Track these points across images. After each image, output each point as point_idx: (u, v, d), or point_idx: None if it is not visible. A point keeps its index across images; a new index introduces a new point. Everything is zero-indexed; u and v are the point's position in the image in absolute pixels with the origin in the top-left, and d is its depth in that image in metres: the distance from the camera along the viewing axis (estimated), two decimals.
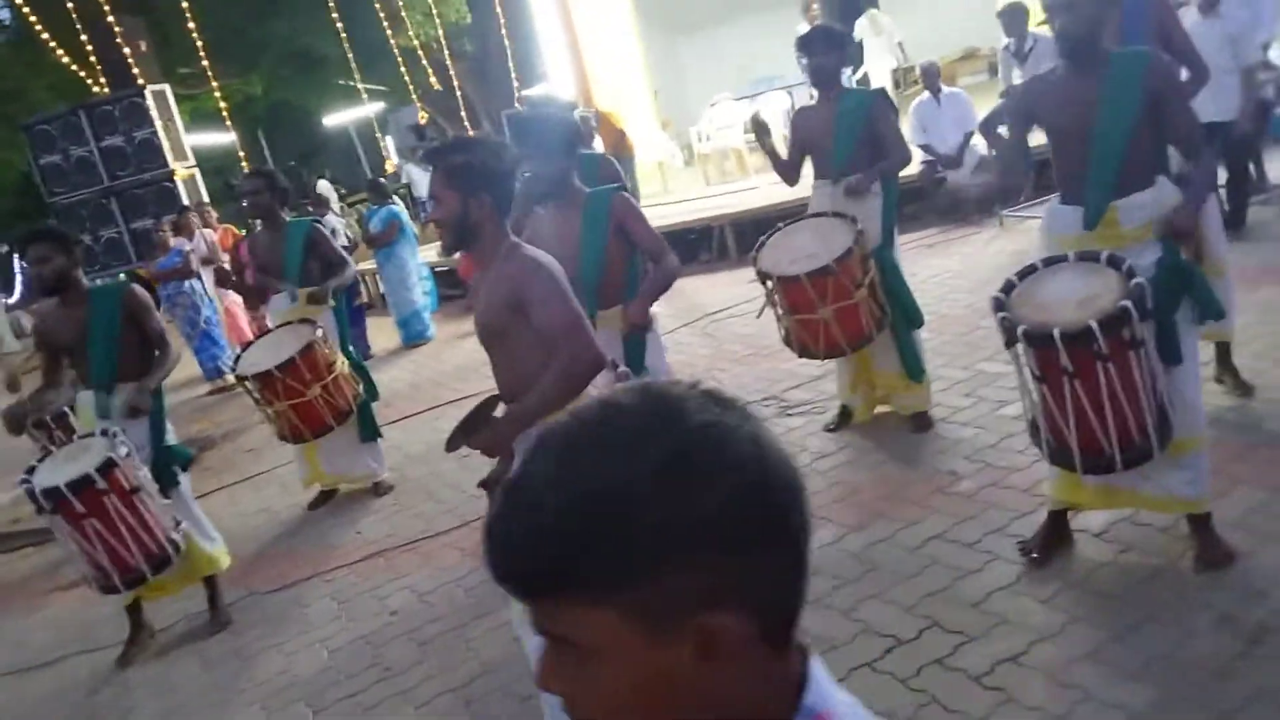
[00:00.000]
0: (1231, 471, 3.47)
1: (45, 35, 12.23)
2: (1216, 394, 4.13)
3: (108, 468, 3.91)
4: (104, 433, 4.11)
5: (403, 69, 14.52)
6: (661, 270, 3.70)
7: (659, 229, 3.88)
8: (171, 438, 4.55)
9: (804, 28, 11.59)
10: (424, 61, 14.81)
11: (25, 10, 12.18)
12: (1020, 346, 2.92)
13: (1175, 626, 2.82)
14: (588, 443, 0.74)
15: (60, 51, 12.58)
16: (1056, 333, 2.77)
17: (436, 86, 16.02)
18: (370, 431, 5.56)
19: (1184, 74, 4.08)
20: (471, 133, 16.69)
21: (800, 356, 4.54)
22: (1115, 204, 3.05)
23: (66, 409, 5.18)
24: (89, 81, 12.85)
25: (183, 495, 4.47)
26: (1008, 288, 3.04)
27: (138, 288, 4.52)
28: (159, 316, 4.49)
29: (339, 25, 13.57)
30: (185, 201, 10.70)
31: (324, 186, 17.35)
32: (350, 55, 14.18)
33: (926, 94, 8.50)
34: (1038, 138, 3.34)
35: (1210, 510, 3.09)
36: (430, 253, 10.72)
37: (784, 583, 0.76)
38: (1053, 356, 2.83)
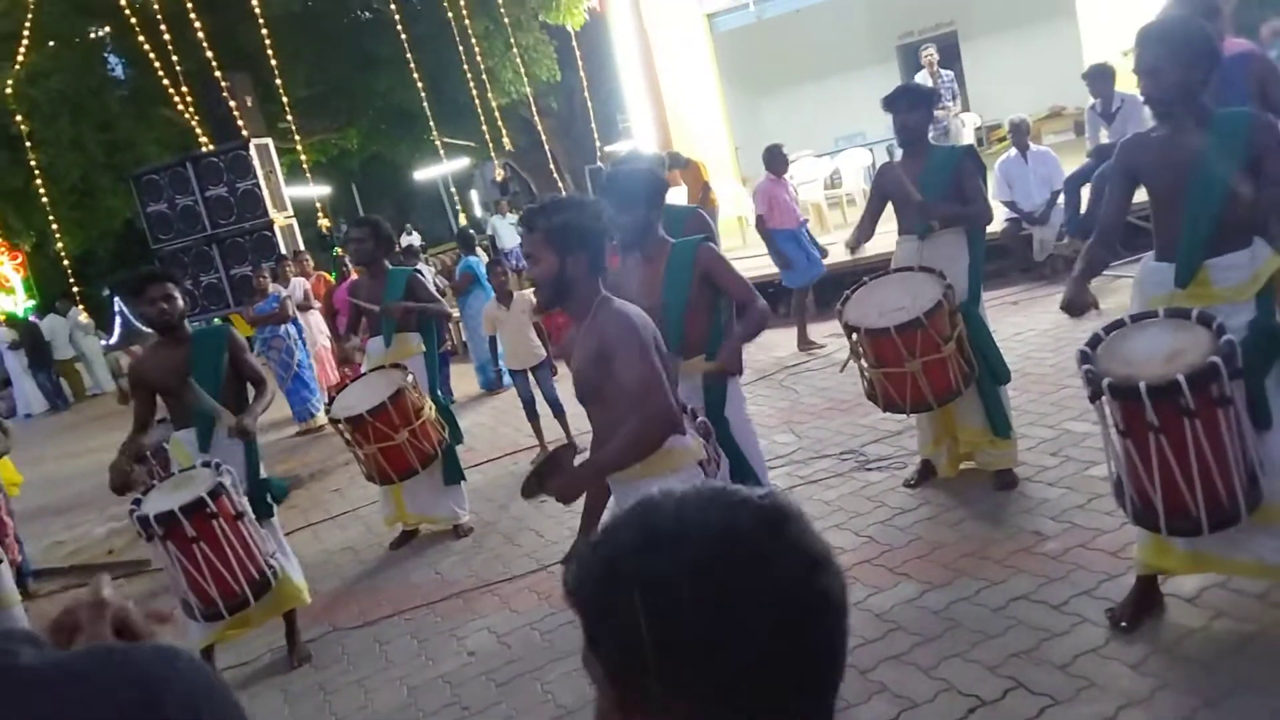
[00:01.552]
0: None
1: (164, 85, 12.92)
2: None
3: (217, 493, 4.09)
4: (206, 464, 4.30)
5: (484, 127, 14.98)
6: (751, 315, 3.72)
7: None
8: (263, 473, 4.74)
9: (923, 77, 11.70)
10: (499, 122, 15.25)
11: (142, 65, 12.88)
12: (1105, 400, 2.89)
13: (1269, 696, 2.73)
14: (699, 564, 0.82)
15: (176, 104, 13.30)
16: (1143, 386, 2.73)
17: (509, 146, 16.43)
18: (454, 474, 5.68)
19: None
20: (560, 187, 17.11)
21: (885, 410, 4.53)
22: (1208, 263, 3.02)
23: (164, 444, 5.41)
24: (198, 133, 13.55)
25: (274, 526, 4.66)
26: (1094, 341, 3.01)
27: (235, 330, 4.78)
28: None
29: (422, 85, 14.06)
30: (282, 249, 11.15)
31: (414, 238, 17.90)
32: (437, 114, 14.67)
33: (1014, 150, 8.46)
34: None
35: None
36: None
37: None
38: (1138, 411, 2.79)
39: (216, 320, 12.86)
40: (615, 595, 0.82)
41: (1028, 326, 7.14)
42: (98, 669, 0.70)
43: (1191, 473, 2.77)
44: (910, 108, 4.54)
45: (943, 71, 11.92)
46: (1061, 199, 8.19)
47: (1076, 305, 3.24)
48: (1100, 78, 7.96)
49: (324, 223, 15.23)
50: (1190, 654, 3.01)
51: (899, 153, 4.87)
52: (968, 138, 12.82)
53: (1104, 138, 7.95)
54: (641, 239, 3.74)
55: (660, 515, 0.85)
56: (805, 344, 8.21)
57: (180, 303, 4.49)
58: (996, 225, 8.11)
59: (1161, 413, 2.75)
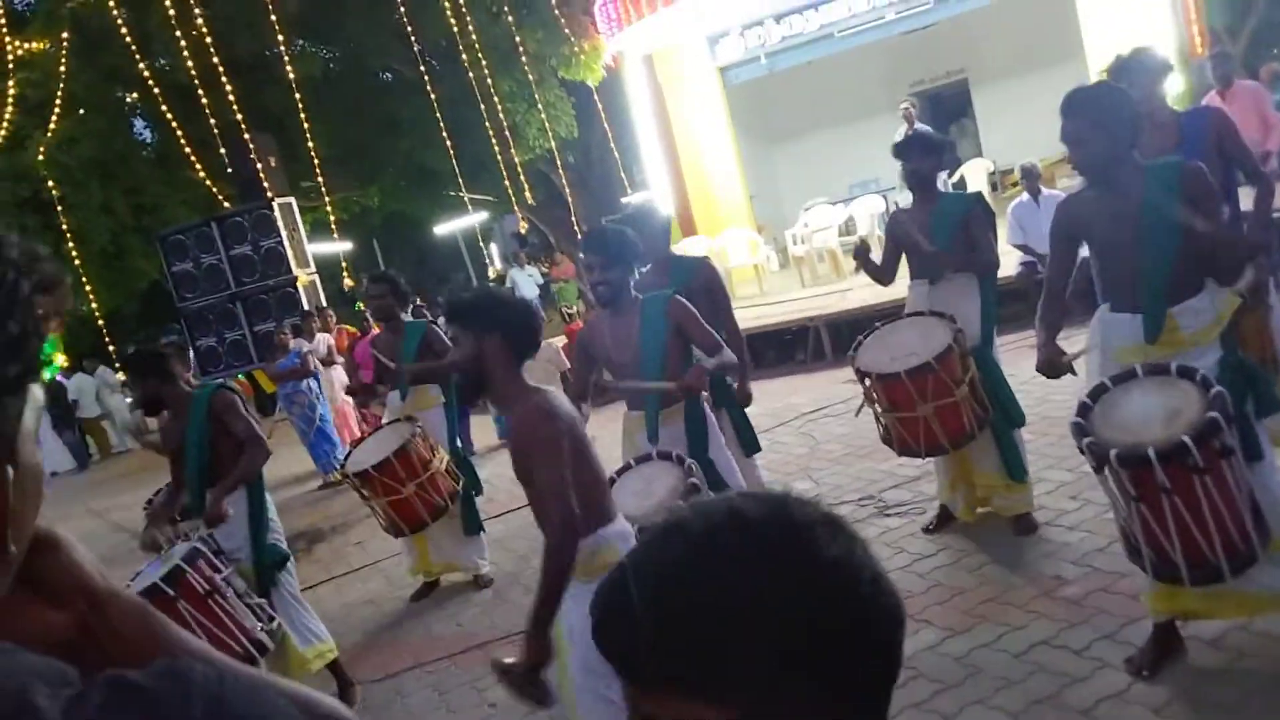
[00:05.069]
0: None
1: (188, 151, 13.25)
2: None
3: (176, 576, 3.92)
4: (187, 536, 4.19)
5: (508, 183, 15.22)
6: (721, 355, 3.86)
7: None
8: (278, 535, 4.57)
9: (903, 131, 11.80)
10: (521, 176, 15.51)
11: (170, 129, 13.23)
12: (1113, 469, 2.88)
13: None
14: (719, 552, 0.79)
15: (198, 167, 13.61)
16: (1152, 452, 2.74)
17: (530, 200, 16.66)
18: (473, 525, 5.71)
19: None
20: (578, 239, 17.31)
21: (900, 455, 4.54)
22: (1173, 310, 3.10)
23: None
24: (219, 195, 13.83)
25: (282, 595, 4.47)
26: (1083, 410, 3.03)
27: (227, 390, 4.55)
28: (248, 416, 4.45)
29: (448, 146, 14.34)
30: (305, 305, 11.31)
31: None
32: (455, 171, 14.93)
33: (1025, 195, 8.51)
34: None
35: None
36: None
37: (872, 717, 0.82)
38: (1149, 476, 2.80)
39: (240, 376, 13.08)
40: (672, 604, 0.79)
41: None
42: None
43: (1208, 526, 2.78)
44: (922, 155, 4.63)
45: (919, 125, 11.95)
46: None
47: (1051, 367, 3.32)
48: None
49: (348, 282, 15.46)
50: (1214, 698, 2.98)
51: (906, 198, 4.93)
52: (975, 184, 12.91)
53: None
54: (617, 295, 3.84)
55: (688, 525, 0.83)
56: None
57: (141, 393, 4.49)
58: (1011, 269, 8.14)
59: (1172, 474, 2.76)
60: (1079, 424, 2.99)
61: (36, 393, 0.79)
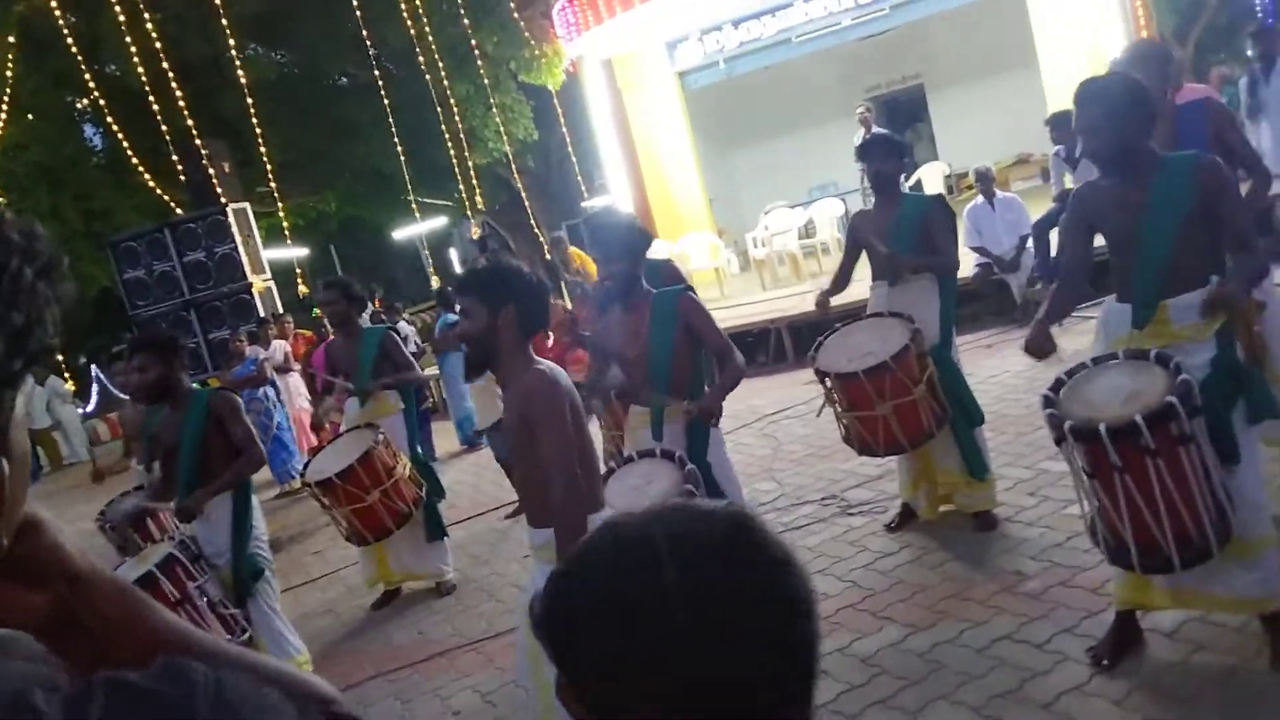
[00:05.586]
0: None
1: (135, 160, 13.03)
2: None
3: (149, 580, 3.89)
4: (172, 539, 4.21)
5: (462, 187, 15.15)
6: (730, 368, 3.84)
7: None
8: (261, 543, 4.50)
9: (860, 135, 11.91)
10: (474, 181, 15.44)
11: (119, 135, 13.01)
12: (1070, 444, 2.93)
13: None
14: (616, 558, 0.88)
15: (148, 174, 13.39)
16: (1103, 428, 2.77)
17: (481, 206, 16.58)
18: (436, 531, 5.65)
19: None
20: (540, 243, 17.27)
21: (860, 454, 4.57)
22: (1167, 302, 3.08)
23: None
24: (170, 202, 13.62)
25: (260, 606, 4.41)
26: (1057, 386, 3.06)
27: (227, 393, 4.57)
28: (246, 423, 4.45)
29: (402, 150, 14.24)
30: (261, 312, 11.16)
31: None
32: (409, 177, 14.84)
33: (980, 198, 8.62)
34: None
35: None
36: None
37: None
38: (1101, 452, 2.83)
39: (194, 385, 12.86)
40: (589, 615, 0.86)
41: (1002, 369, 7.21)
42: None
43: (1159, 510, 2.80)
44: (884, 156, 4.66)
45: (877, 129, 12.07)
46: (1031, 244, 8.33)
47: (1037, 348, 3.31)
48: (1062, 125, 8.12)
49: (303, 289, 15.29)
50: (1172, 689, 3.02)
51: (859, 201, 4.98)
52: (931, 187, 13.05)
53: (1069, 183, 8.11)
54: (627, 288, 3.83)
55: (628, 534, 0.89)
56: None
57: (152, 375, 4.29)
58: (969, 271, 8.24)
59: (1123, 453, 2.79)
60: (1048, 396, 3.03)
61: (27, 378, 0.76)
